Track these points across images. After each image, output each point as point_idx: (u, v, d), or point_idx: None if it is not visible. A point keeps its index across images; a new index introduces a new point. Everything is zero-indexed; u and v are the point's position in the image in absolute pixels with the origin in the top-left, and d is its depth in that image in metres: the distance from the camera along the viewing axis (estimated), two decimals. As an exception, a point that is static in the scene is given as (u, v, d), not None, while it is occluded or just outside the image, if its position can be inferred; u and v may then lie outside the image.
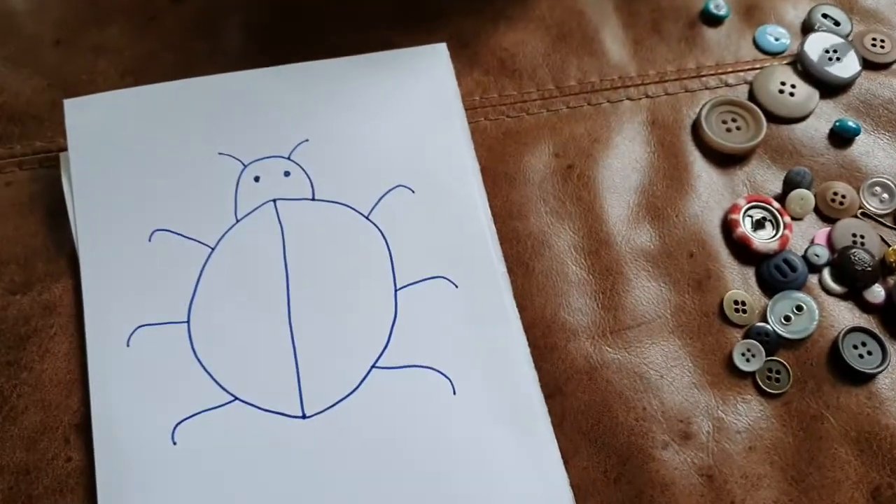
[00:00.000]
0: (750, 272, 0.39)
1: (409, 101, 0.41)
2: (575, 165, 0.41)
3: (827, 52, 0.44)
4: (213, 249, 0.37)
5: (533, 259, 0.38)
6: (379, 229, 0.38)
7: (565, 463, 0.34)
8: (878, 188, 0.41)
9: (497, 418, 0.34)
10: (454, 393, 0.35)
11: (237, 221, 0.38)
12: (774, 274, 0.38)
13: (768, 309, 0.38)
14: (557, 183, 0.40)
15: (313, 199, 0.38)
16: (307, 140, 0.39)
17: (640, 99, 0.43)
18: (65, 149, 0.40)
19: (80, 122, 0.39)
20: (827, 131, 0.43)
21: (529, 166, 0.41)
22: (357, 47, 0.43)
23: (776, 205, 0.40)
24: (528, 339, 0.36)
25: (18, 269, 0.37)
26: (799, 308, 0.38)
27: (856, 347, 0.37)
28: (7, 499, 0.32)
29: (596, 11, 0.46)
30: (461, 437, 0.34)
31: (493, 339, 0.36)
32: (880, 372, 0.37)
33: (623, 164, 0.41)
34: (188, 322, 0.35)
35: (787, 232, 0.39)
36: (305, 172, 0.39)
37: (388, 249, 0.38)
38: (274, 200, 0.38)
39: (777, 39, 0.46)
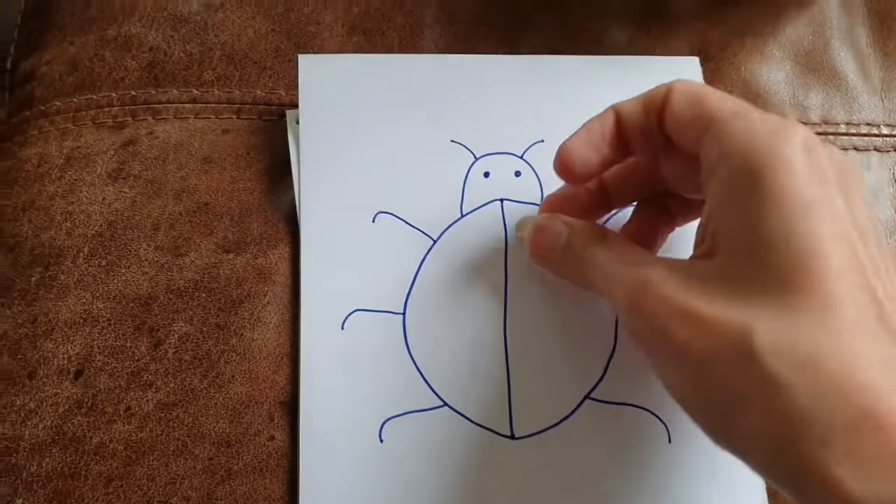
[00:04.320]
0: None
1: (652, 114, 0.38)
2: (816, 214, 0.38)
3: None
4: (434, 242, 0.35)
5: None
6: (605, 249, 0.36)
7: (779, 537, 0.32)
8: None
9: (711, 476, 0.33)
10: (669, 441, 0.33)
11: (462, 216, 0.36)
12: None
13: None
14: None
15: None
16: (542, 141, 0.37)
17: (888, 151, 0.40)
18: (286, 104, 0.38)
19: (313, 81, 0.37)
20: None
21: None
22: (595, 39, 0.40)
23: None
24: (752, 398, 0.34)
25: (232, 225, 0.36)
26: None
27: None
28: (207, 469, 0.32)
29: (848, 45, 0.42)
30: (670, 488, 0.32)
31: (716, 391, 0.34)
32: None
33: (866, 220, 0.38)
34: (404, 314, 0.34)
35: None
36: (536, 175, 0.37)
37: (614, 273, 0.35)
38: (501, 200, 0.36)
39: None
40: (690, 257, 0.28)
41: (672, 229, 0.34)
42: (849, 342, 0.22)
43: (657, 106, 0.29)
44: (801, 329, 0.23)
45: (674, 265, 0.27)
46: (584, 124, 0.31)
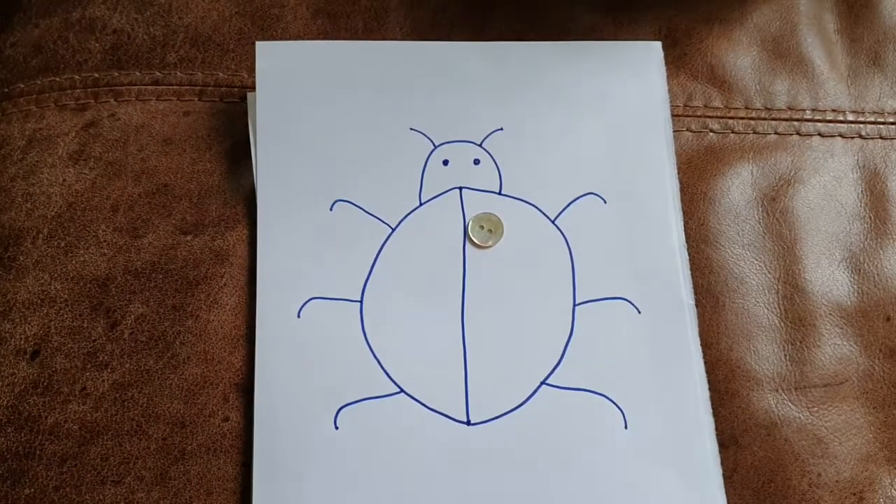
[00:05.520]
0: (947, 350, 0.36)
1: (614, 101, 0.38)
2: (778, 199, 0.38)
3: None
4: (393, 230, 0.35)
5: (724, 294, 0.36)
6: (564, 237, 0.36)
7: (732, 521, 0.32)
8: None
9: (666, 461, 0.33)
10: (625, 427, 0.33)
11: (420, 204, 0.36)
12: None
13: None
14: (758, 214, 0.38)
15: (500, 194, 0.36)
16: (501, 129, 0.37)
17: (853, 138, 0.40)
18: (249, 86, 0.38)
19: (271, 67, 0.37)
20: None
21: (730, 190, 0.38)
22: (561, 25, 0.40)
23: None
24: (708, 381, 0.34)
25: (191, 207, 0.35)
26: None
27: None
28: (160, 449, 0.32)
29: (816, 31, 0.42)
30: (626, 474, 0.32)
31: (673, 376, 0.34)
32: None
33: (828, 206, 0.38)
34: (361, 302, 0.34)
35: None
36: (495, 163, 0.37)
37: (572, 260, 0.35)
38: (460, 188, 0.36)
39: None
40: None
41: None
42: None
43: None
44: None
45: None
46: None
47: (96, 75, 0.38)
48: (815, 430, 0.34)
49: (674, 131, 0.38)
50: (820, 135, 0.40)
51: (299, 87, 0.36)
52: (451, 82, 0.37)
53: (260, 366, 0.32)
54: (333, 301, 0.34)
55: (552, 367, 0.34)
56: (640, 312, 0.35)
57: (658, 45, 0.39)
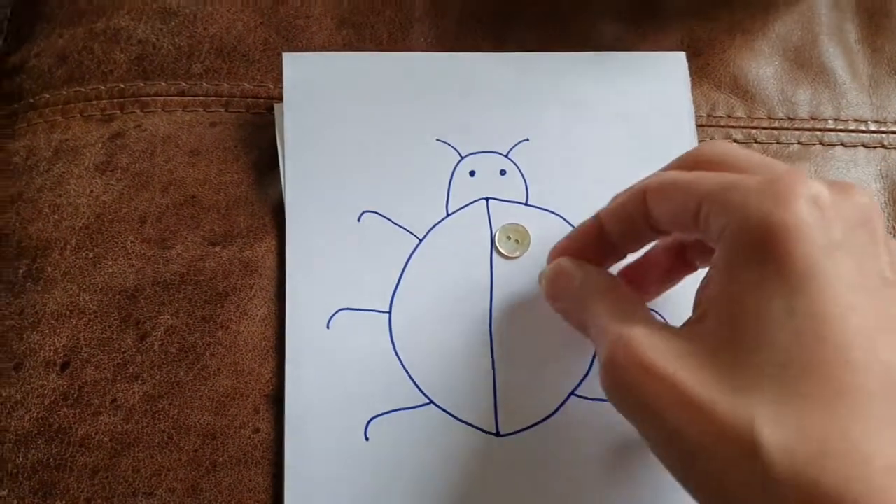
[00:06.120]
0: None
1: (639, 111, 0.38)
2: (802, 210, 0.38)
3: None
4: (420, 241, 0.35)
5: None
6: (591, 246, 0.36)
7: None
8: None
9: (694, 471, 0.33)
10: (654, 436, 0.33)
11: (447, 215, 0.36)
12: None
13: None
14: (782, 226, 0.38)
15: (526, 204, 0.36)
16: (527, 139, 0.37)
17: (875, 147, 0.40)
18: (275, 97, 0.38)
19: (299, 78, 0.37)
20: None
21: (754, 202, 0.38)
22: (584, 36, 0.40)
23: None
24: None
25: (219, 218, 0.36)
26: None
27: None
28: (192, 461, 0.32)
29: (837, 41, 0.42)
30: (654, 485, 0.33)
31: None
32: None
33: (852, 217, 0.38)
34: (389, 313, 0.34)
35: None
36: (521, 173, 0.37)
37: (599, 269, 0.35)
38: (486, 199, 0.36)
39: None
40: (686, 322, 0.27)
41: (691, 270, 0.32)
42: (865, 438, 0.20)
43: (639, 214, 0.28)
44: (809, 423, 0.20)
45: (662, 329, 0.25)
46: (567, 235, 0.32)
47: (122, 86, 0.38)
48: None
49: (698, 141, 0.38)
50: (843, 144, 0.40)
51: (326, 98, 0.37)
52: (476, 93, 0.38)
53: (290, 377, 0.33)
54: (362, 312, 0.34)
55: (580, 377, 0.34)
56: (667, 323, 0.35)
57: (682, 55, 0.39)
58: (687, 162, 0.29)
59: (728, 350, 0.22)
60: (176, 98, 0.38)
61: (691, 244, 0.31)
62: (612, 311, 0.27)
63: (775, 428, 0.20)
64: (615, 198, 0.29)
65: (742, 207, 0.23)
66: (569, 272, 0.30)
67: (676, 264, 0.32)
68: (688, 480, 0.23)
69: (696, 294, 0.28)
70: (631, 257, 0.32)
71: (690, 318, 0.26)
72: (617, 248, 0.31)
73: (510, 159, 0.37)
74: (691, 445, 0.22)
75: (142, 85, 0.38)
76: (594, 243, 0.30)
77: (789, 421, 0.20)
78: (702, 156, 0.28)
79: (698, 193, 0.25)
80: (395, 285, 0.34)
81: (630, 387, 0.24)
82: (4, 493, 0.31)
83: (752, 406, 0.21)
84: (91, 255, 0.35)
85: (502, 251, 0.35)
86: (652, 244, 0.32)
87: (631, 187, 0.28)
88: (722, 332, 0.23)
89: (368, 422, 0.32)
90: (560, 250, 0.32)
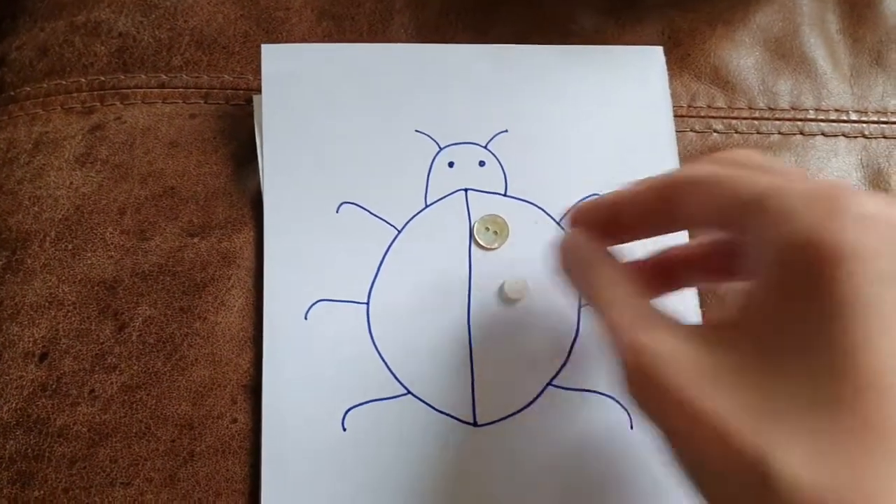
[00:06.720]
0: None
1: (618, 104, 0.38)
2: (782, 200, 0.38)
3: None
4: (399, 232, 0.35)
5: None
6: (570, 237, 0.36)
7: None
8: None
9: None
10: (631, 427, 0.33)
11: (426, 206, 0.36)
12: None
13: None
14: (761, 216, 0.38)
15: (505, 195, 0.36)
16: (506, 131, 0.37)
17: (856, 137, 0.40)
18: (254, 89, 0.38)
19: (277, 69, 0.37)
20: None
21: (733, 193, 0.38)
22: (564, 27, 0.40)
23: None
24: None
25: (197, 209, 0.36)
26: None
27: None
28: (169, 451, 0.32)
29: (818, 31, 0.42)
30: (632, 475, 0.33)
31: (678, 376, 0.34)
32: None
33: (832, 207, 0.38)
34: (367, 304, 0.34)
35: None
36: (501, 165, 0.37)
37: (578, 259, 0.35)
38: (465, 190, 0.36)
39: None
40: (713, 321, 0.25)
41: (725, 277, 0.30)
42: (886, 487, 0.18)
43: (663, 205, 0.26)
44: (834, 459, 0.19)
45: (679, 332, 0.24)
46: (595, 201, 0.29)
47: (102, 78, 0.38)
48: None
49: (678, 131, 0.38)
50: (823, 134, 0.40)
51: (305, 90, 0.37)
52: (455, 84, 0.38)
53: (267, 368, 0.33)
54: (340, 303, 0.34)
55: (558, 368, 0.34)
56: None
57: (660, 50, 0.39)
58: (719, 162, 0.26)
59: (757, 372, 0.21)
60: (156, 90, 0.38)
61: (723, 246, 0.29)
62: (625, 307, 0.25)
63: (790, 464, 0.19)
64: (637, 183, 0.28)
65: (789, 217, 0.21)
66: (581, 253, 0.29)
67: (710, 265, 0.30)
68: (699, 489, 0.22)
69: (726, 287, 0.26)
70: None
71: (719, 316, 0.25)
72: (628, 231, 0.29)
73: (489, 150, 0.37)
74: (706, 465, 0.21)
75: (122, 77, 0.38)
76: (614, 221, 0.29)
77: (814, 459, 0.19)
78: (737, 159, 0.26)
79: (740, 192, 0.23)
80: (373, 276, 0.34)
81: (647, 401, 0.24)
82: (-19, 482, 0.31)
83: (773, 435, 0.20)
84: (70, 247, 0.35)
85: (481, 242, 0.35)
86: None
87: (654, 177, 0.27)
88: (754, 349, 0.22)
89: (346, 412, 0.32)
90: (581, 214, 0.30)
